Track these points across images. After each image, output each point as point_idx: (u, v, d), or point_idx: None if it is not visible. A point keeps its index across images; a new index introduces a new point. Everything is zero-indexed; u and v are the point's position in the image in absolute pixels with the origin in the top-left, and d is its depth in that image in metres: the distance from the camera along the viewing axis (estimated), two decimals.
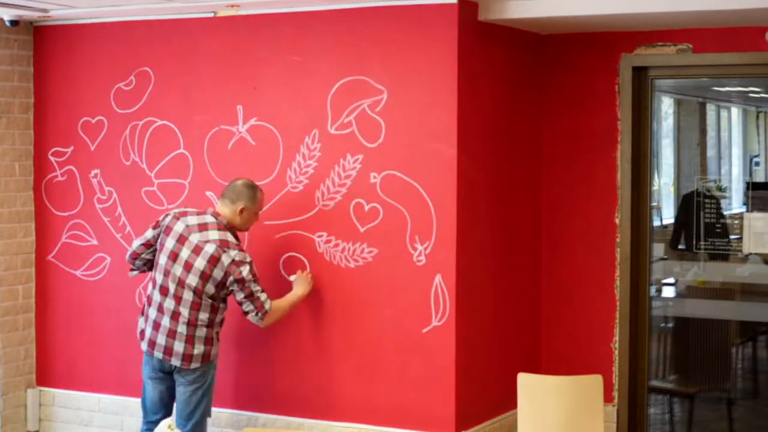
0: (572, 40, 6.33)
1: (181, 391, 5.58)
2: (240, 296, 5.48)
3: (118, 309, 6.46)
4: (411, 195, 5.64)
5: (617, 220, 6.23)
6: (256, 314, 5.51)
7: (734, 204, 6.84)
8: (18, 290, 6.66)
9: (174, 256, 5.47)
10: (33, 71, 6.70)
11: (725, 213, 6.56)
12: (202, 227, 5.50)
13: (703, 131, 7.17)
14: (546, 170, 6.46)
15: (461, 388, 5.64)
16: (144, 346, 5.59)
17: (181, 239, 5.49)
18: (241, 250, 5.51)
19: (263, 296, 5.51)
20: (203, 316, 5.47)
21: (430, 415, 5.63)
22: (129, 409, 6.44)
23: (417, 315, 5.65)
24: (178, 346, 5.46)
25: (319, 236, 5.88)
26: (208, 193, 6.16)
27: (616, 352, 6.27)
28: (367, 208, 5.76)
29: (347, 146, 5.77)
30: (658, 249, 6.65)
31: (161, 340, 5.49)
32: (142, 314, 5.63)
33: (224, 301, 5.57)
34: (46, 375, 6.76)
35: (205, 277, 5.43)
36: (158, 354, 5.51)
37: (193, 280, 5.43)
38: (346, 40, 5.77)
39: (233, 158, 6.09)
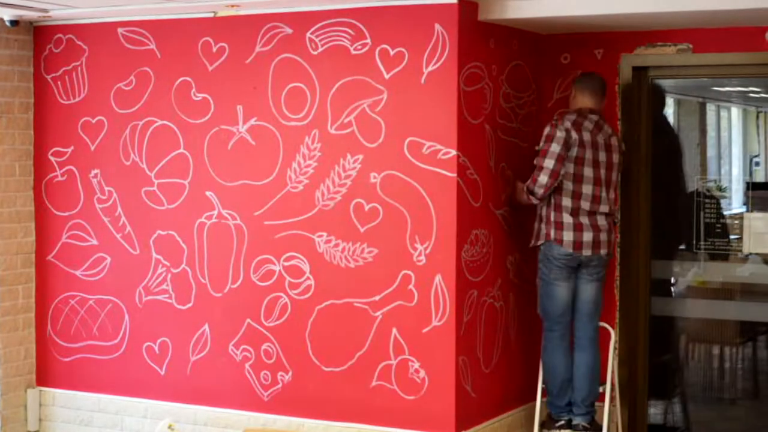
0: (572, 40, 6.33)
1: (593, 285, 5.86)
2: None
3: (118, 309, 6.46)
4: (411, 195, 5.64)
5: (617, 220, 6.22)
6: None
7: (734, 204, 6.84)
8: (18, 290, 6.66)
9: None
10: (33, 71, 6.70)
11: (725, 213, 6.56)
12: None
13: (703, 131, 7.16)
14: None
15: (461, 388, 5.64)
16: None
17: None
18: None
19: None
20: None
21: (430, 415, 5.63)
22: (129, 409, 6.44)
23: (417, 315, 5.65)
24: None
25: (319, 236, 5.87)
26: (208, 193, 6.16)
27: (616, 351, 6.26)
28: (367, 208, 5.75)
29: (347, 146, 5.77)
30: None
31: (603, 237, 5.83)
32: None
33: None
34: (46, 375, 6.76)
35: None
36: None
37: None
38: (346, 40, 5.77)
39: (233, 158, 6.09)
